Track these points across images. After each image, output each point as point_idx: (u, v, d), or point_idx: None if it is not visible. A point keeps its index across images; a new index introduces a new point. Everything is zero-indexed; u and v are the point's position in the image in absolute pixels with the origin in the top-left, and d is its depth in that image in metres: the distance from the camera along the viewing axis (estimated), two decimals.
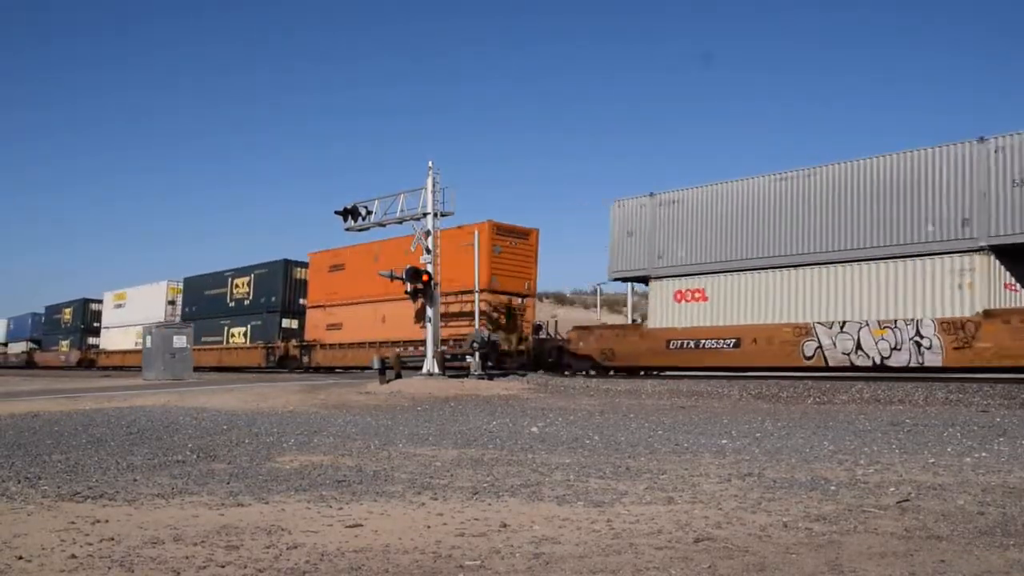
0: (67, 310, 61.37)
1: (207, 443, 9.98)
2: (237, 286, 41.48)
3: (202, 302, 43.96)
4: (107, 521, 5.35)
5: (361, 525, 5.23)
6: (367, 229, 27.03)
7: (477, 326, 25.79)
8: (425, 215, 24.61)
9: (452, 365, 24.78)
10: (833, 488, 6.53)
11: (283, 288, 38.78)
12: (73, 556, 4.44)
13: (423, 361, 24.36)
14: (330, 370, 34.20)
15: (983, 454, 8.58)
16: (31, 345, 68.76)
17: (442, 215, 24.74)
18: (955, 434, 10.50)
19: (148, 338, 29.56)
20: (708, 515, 5.51)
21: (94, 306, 57.85)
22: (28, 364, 64.48)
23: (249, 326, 40.23)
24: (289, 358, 36.73)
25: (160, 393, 19.21)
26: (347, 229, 26.85)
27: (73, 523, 5.28)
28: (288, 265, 38.68)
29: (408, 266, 24.12)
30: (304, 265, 37.94)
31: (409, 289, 23.96)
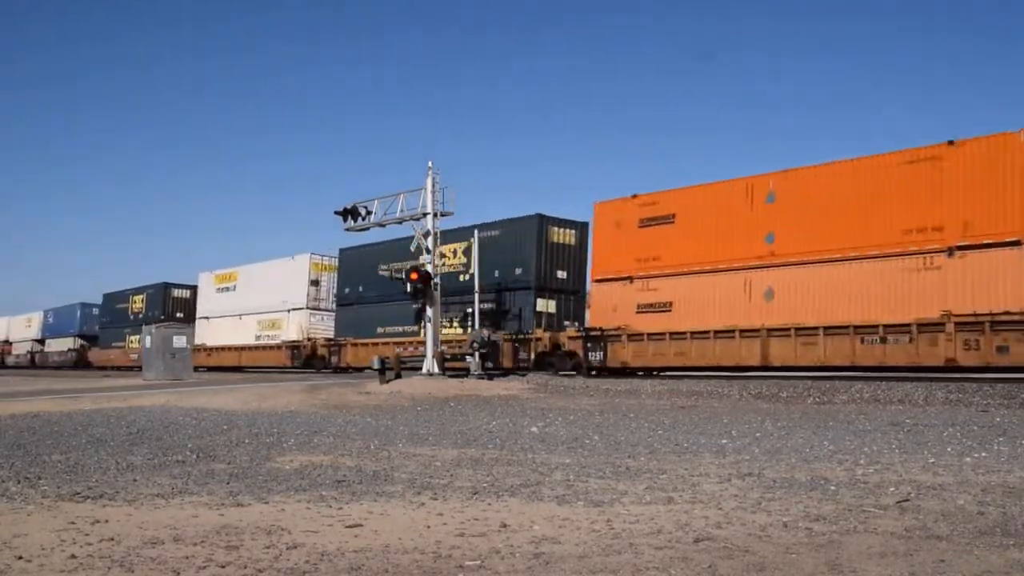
0: (137, 297, 51.77)
1: (207, 443, 9.98)
2: (445, 256, 29.07)
3: (370, 280, 31.65)
4: (107, 521, 5.35)
5: (361, 525, 5.23)
6: (367, 229, 27.05)
7: (477, 326, 25.80)
8: (425, 215, 24.63)
9: (452, 366, 24.79)
10: (833, 488, 6.53)
11: (537, 255, 27.58)
12: (73, 556, 4.44)
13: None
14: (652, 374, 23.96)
15: (983, 454, 8.58)
16: (81, 342, 59.60)
17: (442, 215, 24.77)
18: (955, 434, 10.50)
19: (148, 338, 29.56)
20: (708, 515, 5.51)
21: (178, 292, 49.06)
22: (79, 364, 55.92)
23: (465, 312, 28.13)
24: (558, 355, 26.43)
25: (160, 393, 19.21)
26: (347, 229, 26.86)
27: (73, 523, 5.28)
28: (543, 222, 27.94)
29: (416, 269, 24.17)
30: (564, 224, 28.62)
31: (409, 290, 24.02)
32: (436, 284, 24.36)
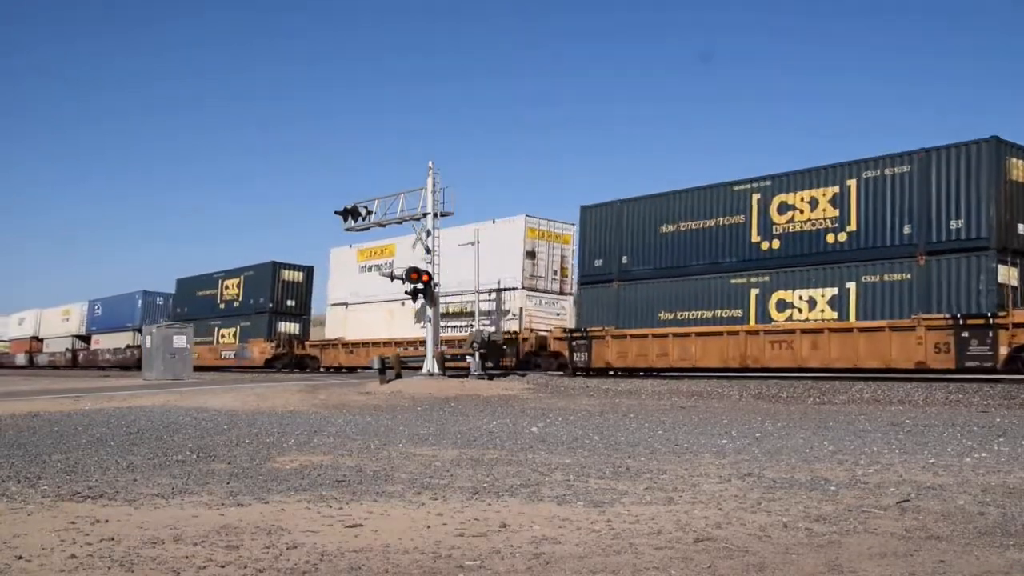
0: (231, 282, 41.49)
1: (207, 443, 9.98)
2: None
3: (646, 246, 23.86)
4: (107, 521, 5.35)
5: (361, 525, 5.23)
6: (367, 229, 27.07)
7: (477, 326, 25.80)
8: (425, 215, 24.63)
9: (452, 365, 24.80)
10: (833, 488, 6.53)
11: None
12: (73, 556, 4.44)
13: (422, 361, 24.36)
14: None
15: (983, 454, 8.58)
16: (139, 338, 48.00)
17: (442, 215, 24.77)
18: (955, 434, 10.50)
19: (148, 338, 29.56)
20: (708, 515, 5.51)
21: (289, 274, 39.32)
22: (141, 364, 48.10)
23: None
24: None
25: (160, 393, 19.20)
26: (347, 229, 26.91)
27: (73, 523, 5.28)
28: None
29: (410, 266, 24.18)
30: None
31: (408, 289, 24.00)
32: (436, 284, 24.36)
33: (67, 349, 57.19)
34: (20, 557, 4.41)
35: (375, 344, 32.26)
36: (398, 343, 30.27)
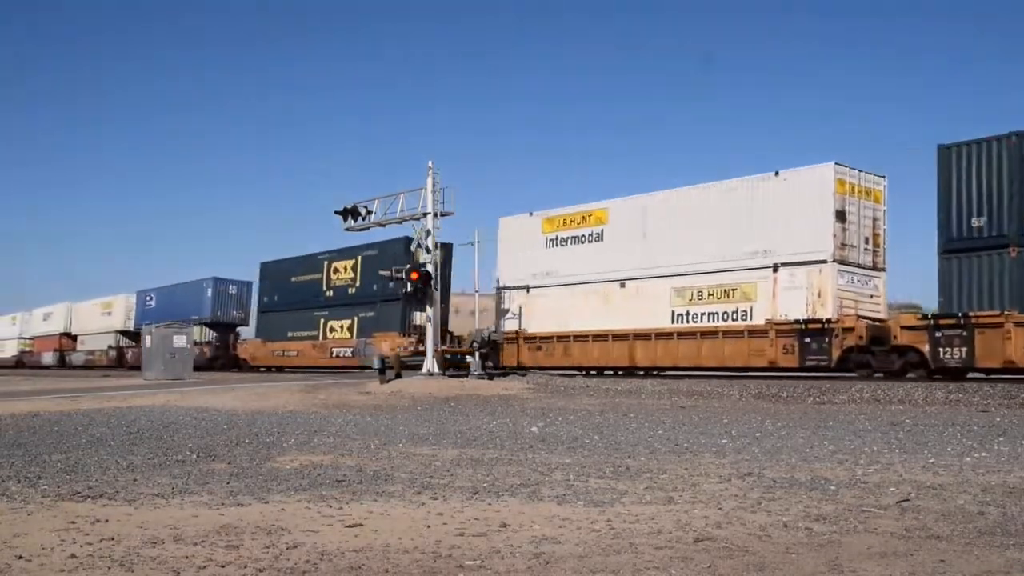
0: (344, 264, 34.43)
1: (207, 443, 9.98)
2: None
3: None
4: (107, 521, 5.35)
5: (361, 525, 5.23)
6: (367, 229, 27.07)
7: (477, 325, 25.80)
8: (425, 215, 24.64)
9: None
10: (833, 488, 6.53)
11: None
12: (73, 556, 4.44)
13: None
14: None
15: (983, 454, 8.58)
16: (212, 333, 43.10)
17: (442, 215, 24.78)
18: (955, 434, 10.50)
19: (148, 338, 29.58)
20: (708, 515, 5.51)
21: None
22: (220, 362, 40.99)
23: None
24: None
25: (160, 393, 19.21)
26: (347, 229, 26.89)
27: (73, 523, 5.27)
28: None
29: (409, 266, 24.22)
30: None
31: (409, 289, 24.02)
32: (436, 284, 24.37)
33: (110, 347, 50.44)
34: (20, 557, 4.41)
35: (581, 338, 25.07)
36: (637, 335, 23.65)
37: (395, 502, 6.05)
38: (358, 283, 33.68)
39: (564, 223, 26.42)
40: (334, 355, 33.93)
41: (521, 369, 26.14)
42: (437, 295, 24.65)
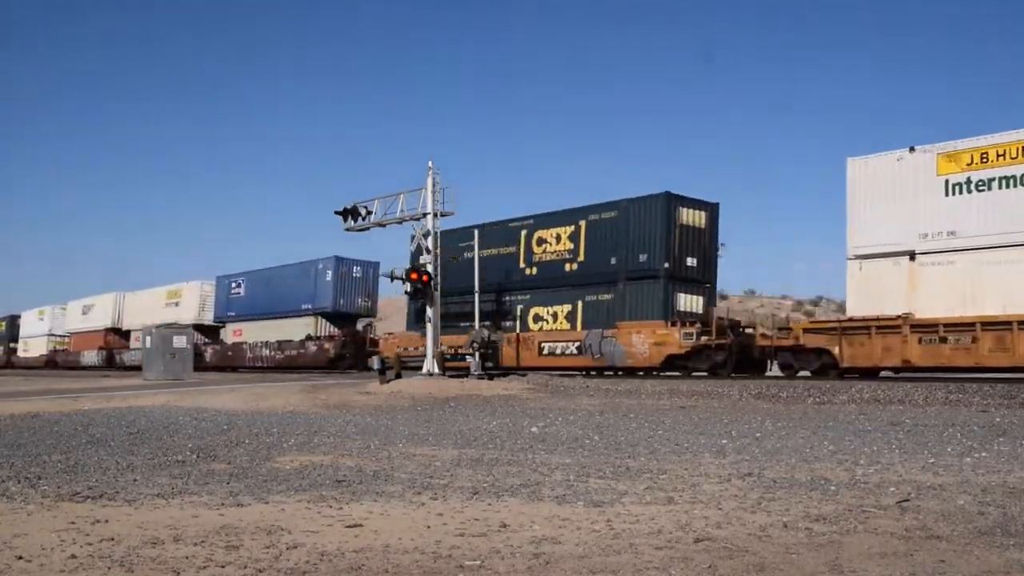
0: (555, 231, 26.52)
1: (207, 443, 9.98)
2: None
3: None
4: (107, 521, 5.35)
5: (361, 525, 5.23)
6: (367, 229, 27.03)
7: (477, 326, 25.79)
8: (425, 215, 24.63)
9: (451, 365, 24.78)
10: (833, 488, 6.53)
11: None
12: (73, 556, 4.43)
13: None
14: None
15: (983, 454, 8.58)
16: (329, 327, 34.80)
17: (442, 215, 24.77)
18: (955, 434, 10.50)
19: (148, 339, 29.55)
20: (708, 515, 5.51)
21: (689, 215, 24.07)
22: (343, 361, 32.91)
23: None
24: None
25: (160, 393, 19.20)
26: (347, 229, 26.84)
27: (73, 523, 5.27)
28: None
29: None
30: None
31: (408, 289, 24.00)
32: (436, 284, 24.35)
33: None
34: (20, 557, 4.41)
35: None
36: None
37: (395, 502, 6.05)
38: (581, 257, 25.83)
39: (982, 159, 18.37)
40: (544, 351, 26.09)
41: (904, 367, 18.91)
42: (437, 294, 24.63)
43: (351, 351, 33.13)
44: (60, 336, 55.77)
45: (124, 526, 5.21)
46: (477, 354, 24.21)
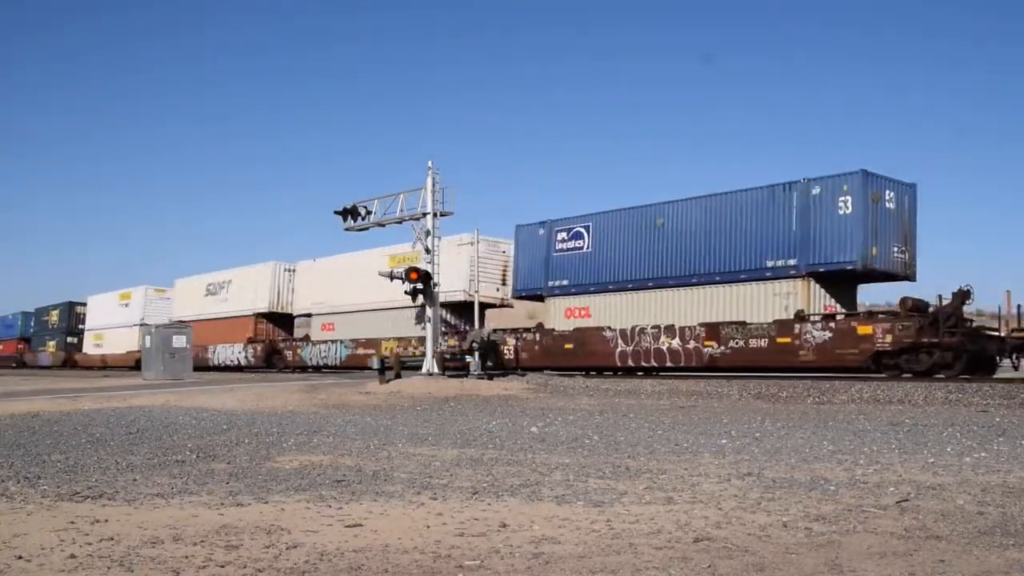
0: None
1: (207, 443, 9.98)
2: None
3: None
4: (107, 521, 5.35)
5: (361, 525, 5.23)
6: (366, 229, 27.04)
7: (477, 326, 25.78)
8: (425, 215, 24.62)
9: (452, 365, 24.75)
10: (833, 488, 6.53)
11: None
12: (73, 556, 4.44)
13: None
14: None
15: (983, 454, 8.58)
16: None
17: (442, 215, 24.76)
18: (955, 434, 10.50)
19: (147, 338, 29.53)
20: (708, 515, 5.51)
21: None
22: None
23: None
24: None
25: (159, 393, 19.19)
26: (347, 229, 26.85)
27: (73, 523, 5.27)
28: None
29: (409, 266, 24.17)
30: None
31: (408, 289, 23.98)
32: (435, 284, 24.34)
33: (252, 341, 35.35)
34: (20, 557, 4.41)
35: None
36: None
37: (395, 502, 6.05)
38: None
39: None
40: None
41: None
42: (437, 293, 24.61)
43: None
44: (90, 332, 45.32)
45: (124, 526, 5.21)
46: (477, 354, 24.20)
